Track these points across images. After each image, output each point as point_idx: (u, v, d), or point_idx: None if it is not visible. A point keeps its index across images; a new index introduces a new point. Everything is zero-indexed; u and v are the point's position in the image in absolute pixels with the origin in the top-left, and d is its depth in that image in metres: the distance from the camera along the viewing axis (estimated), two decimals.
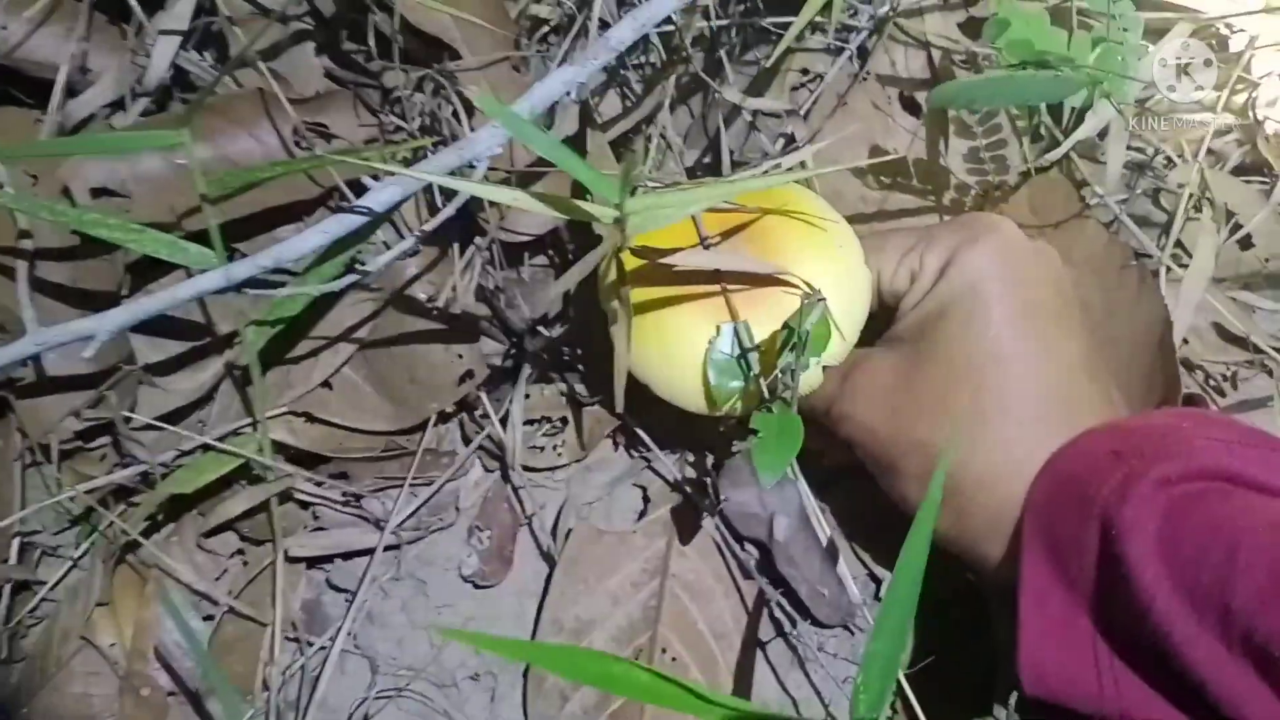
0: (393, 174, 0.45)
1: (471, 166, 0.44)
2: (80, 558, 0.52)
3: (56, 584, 0.52)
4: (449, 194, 0.48)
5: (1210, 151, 0.52)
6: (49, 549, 0.53)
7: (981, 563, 0.40)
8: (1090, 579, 0.34)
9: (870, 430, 0.42)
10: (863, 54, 0.52)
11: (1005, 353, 0.40)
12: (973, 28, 0.51)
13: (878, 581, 0.49)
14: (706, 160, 0.54)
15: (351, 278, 0.47)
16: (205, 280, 0.46)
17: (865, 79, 0.51)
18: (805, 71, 0.53)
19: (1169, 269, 0.49)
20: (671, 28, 0.50)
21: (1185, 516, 0.33)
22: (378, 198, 0.45)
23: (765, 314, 0.41)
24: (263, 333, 0.49)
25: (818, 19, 0.48)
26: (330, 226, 0.46)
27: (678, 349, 0.43)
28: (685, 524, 0.51)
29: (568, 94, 0.47)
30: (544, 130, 0.53)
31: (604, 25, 0.50)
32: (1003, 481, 0.39)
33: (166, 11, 0.53)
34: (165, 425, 0.51)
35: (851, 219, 0.46)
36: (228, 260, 0.46)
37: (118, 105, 0.55)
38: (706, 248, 0.43)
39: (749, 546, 0.51)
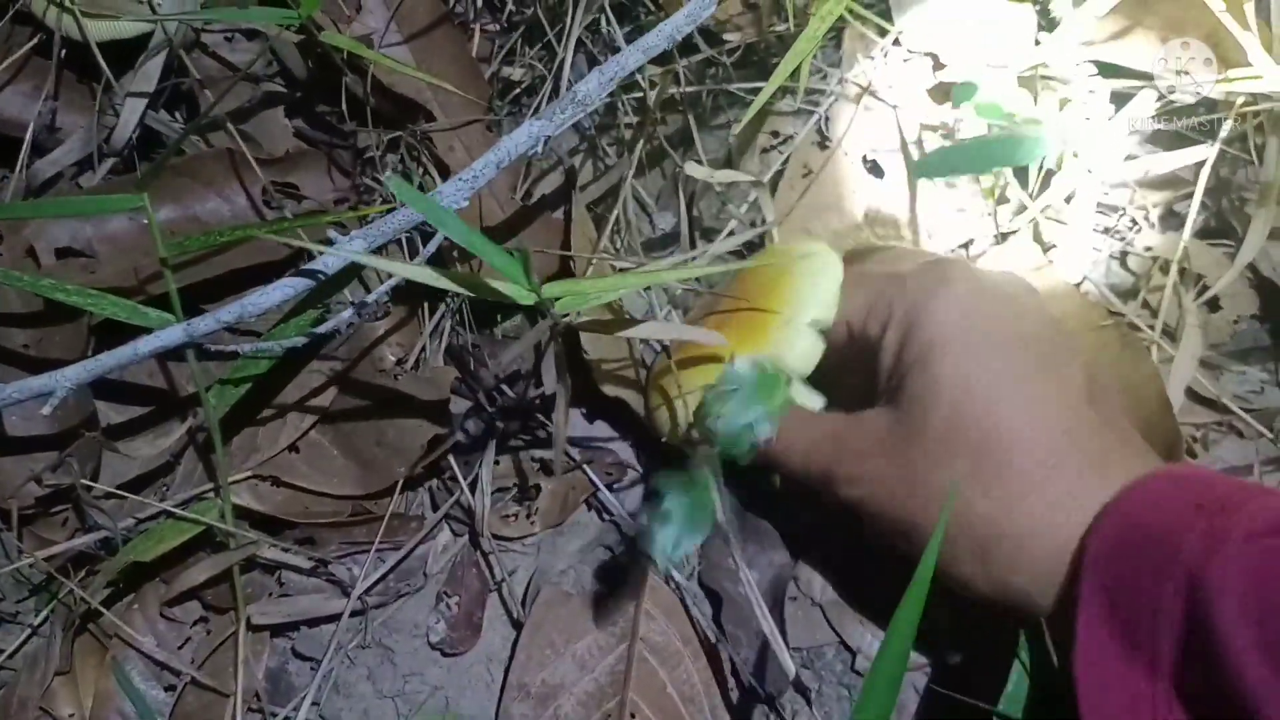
0: (347, 235, 0.45)
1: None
2: (40, 625, 0.51)
3: (15, 652, 0.51)
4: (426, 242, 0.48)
5: (1175, 215, 0.53)
6: (8, 616, 0.52)
7: (1030, 614, 0.38)
8: (1163, 641, 0.32)
9: (881, 484, 0.40)
10: (831, 117, 0.52)
11: (993, 396, 0.38)
12: (940, 93, 0.51)
13: (852, 653, 0.49)
14: (680, 225, 0.54)
15: (316, 333, 0.47)
16: (166, 335, 0.46)
17: (828, 146, 0.52)
18: (775, 134, 0.53)
19: (1159, 346, 0.49)
20: (641, 94, 0.50)
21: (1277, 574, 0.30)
22: (338, 256, 0.45)
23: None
24: (227, 395, 0.49)
25: (787, 83, 0.48)
26: (294, 283, 0.46)
27: None
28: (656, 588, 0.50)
29: (535, 150, 0.48)
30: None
31: None
32: (1053, 531, 0.37)
33: (135, 71, 0.53)
34: (127, 494, 0.50)
35: None
36: None
37: (86, 164, 0.54)
38: None
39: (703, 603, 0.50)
